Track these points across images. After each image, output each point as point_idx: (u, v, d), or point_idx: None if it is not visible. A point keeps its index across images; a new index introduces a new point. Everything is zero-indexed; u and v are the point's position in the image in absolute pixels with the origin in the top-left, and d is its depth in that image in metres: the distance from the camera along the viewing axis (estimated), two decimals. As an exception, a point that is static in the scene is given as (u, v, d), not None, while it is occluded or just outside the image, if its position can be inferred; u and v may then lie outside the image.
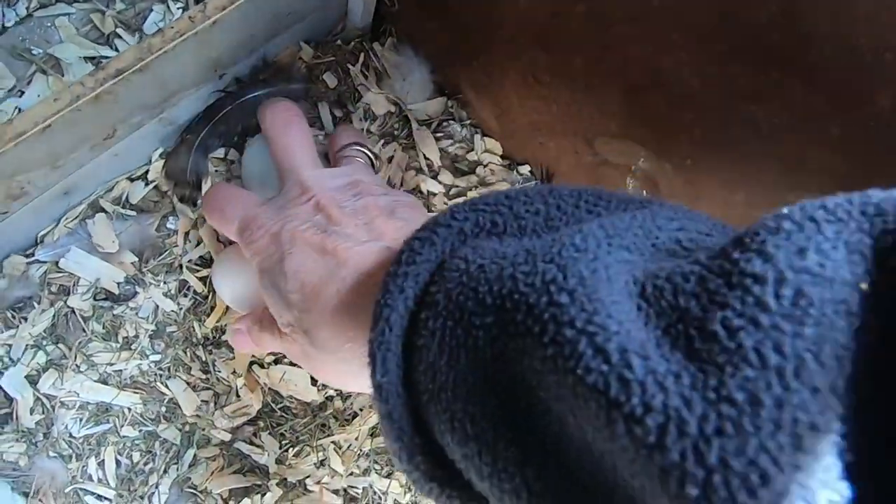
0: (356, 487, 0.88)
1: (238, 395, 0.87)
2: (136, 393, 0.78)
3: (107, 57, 0.69)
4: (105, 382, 0.76)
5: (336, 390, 0.90)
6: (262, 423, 0.87)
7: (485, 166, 1.00)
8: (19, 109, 0.66)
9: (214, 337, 0.86)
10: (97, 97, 0.60)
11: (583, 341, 0.23)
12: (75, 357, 0.75)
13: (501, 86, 0.82)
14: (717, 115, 0.57)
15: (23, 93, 0.65)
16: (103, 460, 0.74)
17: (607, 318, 0.24)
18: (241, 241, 0.67)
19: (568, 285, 0.25)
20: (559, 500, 0.26)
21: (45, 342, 0.74)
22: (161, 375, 0.81)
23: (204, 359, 0.85)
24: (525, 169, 0.96)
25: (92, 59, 0.68)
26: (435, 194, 0.99)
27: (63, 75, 0.66)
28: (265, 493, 0.84)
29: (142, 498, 0.75)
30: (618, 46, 0.60)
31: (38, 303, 0.74)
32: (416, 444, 0.33)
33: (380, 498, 0.88)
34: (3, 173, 0.59)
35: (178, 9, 0.72)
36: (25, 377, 0.73)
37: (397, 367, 0.34)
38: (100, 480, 0.74)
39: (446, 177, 0.99)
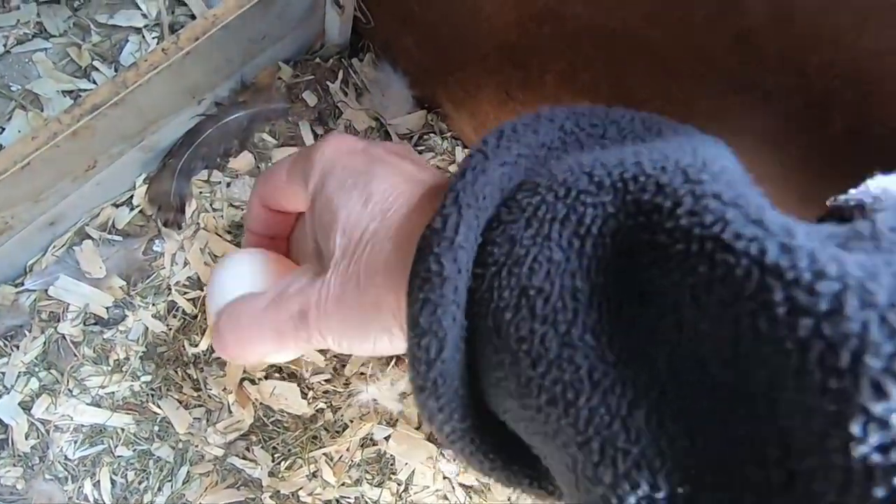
0: (348, 498, 0.90)
1: (230, 411, 0.88)
2: (129, 414, 0.80)
3: (84, 89, 0.70)
4: (98, 405, 0.78)
5: (326, 402, 0.92)
6: (254, 438, 0.89)
7: (467, 178, 1.00)
8: (0, 146, 0.67)
9: (205, 355, 0.88)
10: (75, 133, 0.61)
11: (730, 210, 0.21)
12: (67, 382, 0.76)
13: (478, 100, 0.83)
14: (682, 134, 0.57)
15: (3, 129, 0.67)
16: (98, 481, 0.77)
17: (756, 198, 0.22)
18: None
19: (706, 169, 0.23)
20: (664, 398, 0.22)
21: (37, 369, 0.76)
22: (153, 395, 0.82)
23: (195, 377, 0.87)
24: (506, 180, 0.96)
25: (70, 92, 0.69)
26: (418, 207, 0.99)
27: (42, 110, 0.67)
28: (258, 508, 0.86)
29: (137, 517, 0.77)
30: (585, 67, 0.61)
31: (30, 330, 0.75)
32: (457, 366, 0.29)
33: (372, 507, 0.90)
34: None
35: (153, 38, 0.73)
36: (19, 404, 0.75)
37: (470, 231, 0.28)
38: (96, 501, 0.76)
39: (429, 189, 0.99)
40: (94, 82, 0.71)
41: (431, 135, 0.98)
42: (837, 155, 0.47)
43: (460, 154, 0.98)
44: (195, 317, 0.88)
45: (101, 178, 0.75)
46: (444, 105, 0.93)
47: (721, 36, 0.47)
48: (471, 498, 0.93)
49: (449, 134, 0.98)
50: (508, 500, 0.93)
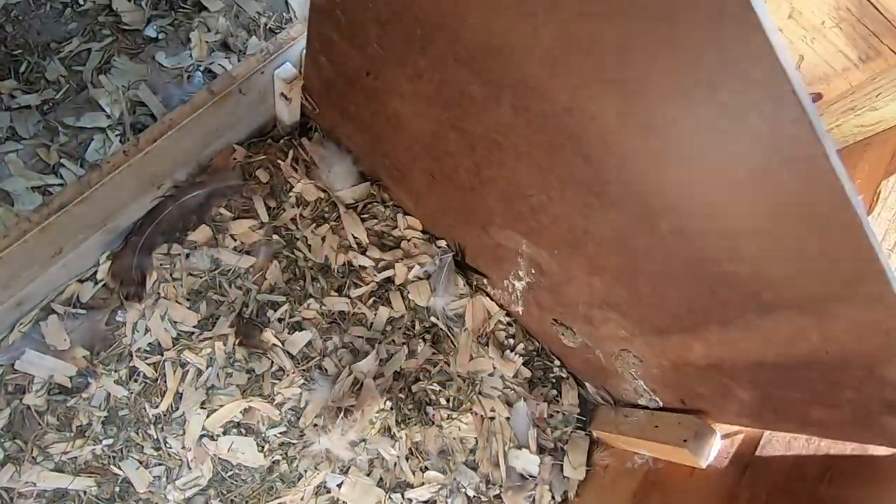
0: (302, 544, 0.97)
1: (189, 467, 0.95)
2: (91, 477, 0.86)
3: (52, 185, 0.79)
4: (61, 470, 0.84)
5: (282, 454, 0.99)
6: (212, 492, 0.95)
7: (408, 240, 1.11)
8: (-27, 239, 0.75)
9: (165, 415, 0.94)
10: (42, 229, 0.70)
11: None
12: (32, 450, 0.82)
13: (410, 179, 0.94)
14: (565, 222, 0.69)
15: (-23, 225, 0.75)
16: (61, 543, 0.82)
17: None
18: None
19: None
20: None
21: (2, 439, 0.81)
22: (114, 457, 0.88)
23: (155, 436, 0.93)
24: (442, 242, 1.08)
25: (39, 188, 0.77)
26: (365, 268, 1.10)
27: (13, 205, 0.75)
28: (216, 559, 0.91)
29: (98, 575, 0.82)
30: (486, 165, 0.73)
31: (-4, 403, 0.82)
32: None
33: (325, 552, 0.97)
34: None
35: (115, 136, 0.82)
36: (-15, 473, 0.80)
37: None
38: (58, 562, 0.81)
39: (374, 252, 1.10)
40: (62, 178, 0.80)
41: (375, 203, 1.09)
42: (669, 251, 0.59)
43: (401, 220, 1.09)
44: (155, 380, 0.95)
45: (66, 260, 0.83)
46: (383, 179, 1.04)
47: (576, 157, 0.59)
48: (417, 538, 1.00)
49: (391, 202, 1.09)
50: (452, 538, 1.01)
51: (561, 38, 0.47)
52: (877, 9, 1.13)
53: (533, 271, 0.87)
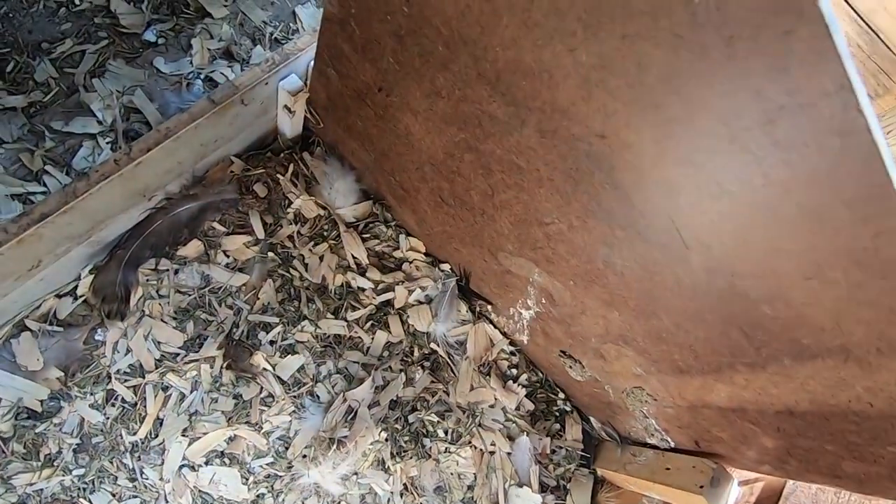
0: (286, 588, 0.89)
1: (167, 501, 0.88)
2: (57, 511, 0.79)
3: (34, 193, 0.73)
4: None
5: (267, 487, 0.92)
6: (190, 528, 0.88)
7: (410, 263, 1.07)
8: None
9: (143, 443, 0.88)
10: (21, 241, 0.64)
11: None
12: (-7, 481, 0.75)
13: (416, 200, 0.90)
14: (585, 252, 0.65)
15: (-53, 233, 0.69)
16: (19, 587, 0.74)
17: None
18: None
19: None
20: None
21: (-40, 470, 0.74)
22: (84, 489, 0.81)
23: (131, 466, 0.86)
24: (446, 266, 1.03)
25: (19, 195, 0.71)
26: (364, 290, 1.05)
27: (-10, 213, 0.70)
28: None
29: None
30: (501, 189, 0.69)
31: (-44, 430, 0.74)
32: None
33: None
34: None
35: (106, 143, 0.77)
36: (-61, 506, 0.73)
37: None
38: None
39: (374, 273, 1.05)
40: (45, 186, 0.74)
41: (377, 223, 1.04)
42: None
43: (403, 241, 1.05)
44: (134, 404, 0.88)
45: (44, 274, 0.77)
46: (387, 198, 1.00)
47: (601, 185, 0.56)
48: (410, 582, 0.94)
49: (394, 223, 1.04)
50: (447, 583, 0.94)
51: (600, 59, 0.44)
52: (887, 46, 1.13)
53: (543, 301, 0.83)
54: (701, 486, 0.75)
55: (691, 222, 0.50)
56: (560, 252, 0.69)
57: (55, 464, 0.80)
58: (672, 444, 0.86)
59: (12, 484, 0.76)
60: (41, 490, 0.78)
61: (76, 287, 0.84)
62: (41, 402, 0.80)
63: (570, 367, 0.92)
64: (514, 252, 0.78)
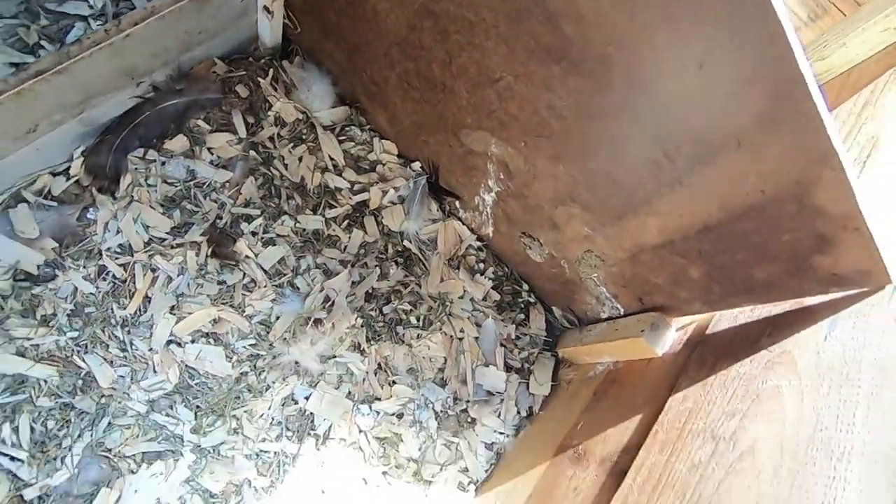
0: (268, 452, 0.96)
1: (155, 371, 0.94)
2: (53, 366, 0.85)
3: (29, 64, 0.80)
4: (22, 355, 0.83)
5: (250, 366, 0.99)
6: (178, 397, 0.94)
7: (384, 165, 1.14)
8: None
9: (133, 318, 0.94)
10: (19, 94, 0.71)
11: None
12: (-8, 332, 0.81)
13: (386, 93, 0.98)
14: (530, 103, 0.73)
15: (-50, 92, 0.75)
16: (17, 426, 0.80)
17: None
18: None
19: None
20: None
21: (-38, 320, 0.80)
22: (78, 350, 0.88)
23: (122, 338, 0.93)
24: (416, 165, 1.11)
25: (16, 65, 0.78)
26: (341, 190, 1.12)
27: (-12, 76, 0.76)
28: (179, 458, 0.90)
29: (55, 459, 0.81)
30: (457, 53, 0.77)
31: (-42, 284, 0.80)
32: None
33: (290, 460, 0.96)
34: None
35: (98, 26, 0.84)
36: (-57, 351, 0.78)
37: None
38: (13, 444, 0.79)
39: (350, 174, 1.12)
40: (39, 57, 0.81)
41: (352, 127, 1.12)
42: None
43: (377, 144, 1.12)
44: (124, 281, 0.95)
45: (40, 143, 0.83)
46: (361, 99, 1.08)
47: (538, 20, 0.64)
48: (384, 448, 1.01)
49: (367, 127, 1.12)
50: (419, 450, 1.01)
51: None
52: (822, -31, 1.23)
53: (502, 176, 0.91)
54: (642, 331, 0.83)
55: (615, 41, 0.58)
56: (511, 111, 0.77)
57: (51, 324, 0.86)
58: (621, 311, 0.94)
59: (11, 336, 0.82)
60: (38, 345, 0.84)
61: (69, 168, 0.90)
62: (38, 266, 0.86)
63: (530, 247, 1.01)
64: (473, 125, 0.86)
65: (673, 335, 0.84)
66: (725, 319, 0.76)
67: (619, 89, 0.62)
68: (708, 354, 0.72)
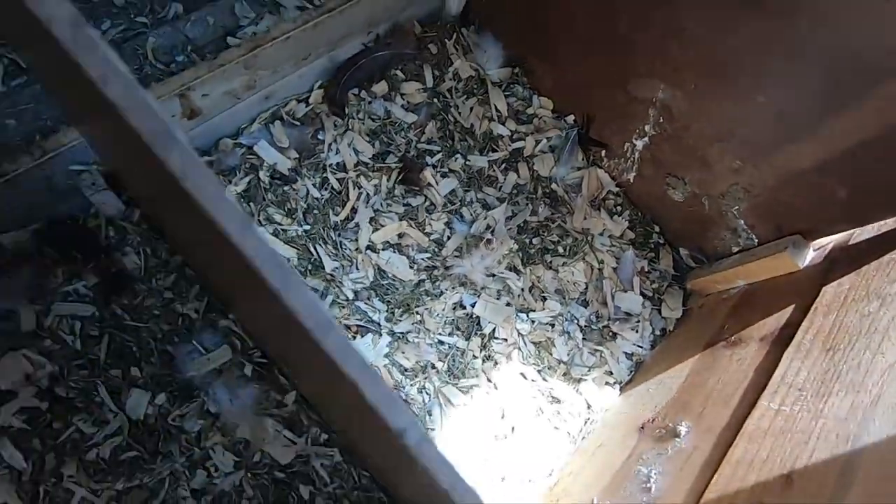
0: (444, 344, 1.14)
1: (358, 268, 1.14)
2: (294, 249, 1.06)
3: (311, 3, 1.04)
4: (276, 235, 1.04)
5: (427, 274, 1.18)
6: (373, 292, 1.14)
7: (539, 118, 1.34)
8: (255, 34, 0.98)
9: (342, 224, 1.15)
10: (304, 30, 0.93)
11: None
12: (258, 214, 1.03)
13: (556, 52, 1.18)
14: (709, 48, 0.92)
15: (258, 23, 0.98)
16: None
17: None
18: None
19: None
20: None
21: (241, 201, 1.02)
22: (310, 240, 1.08)
23: (335, 239, 1.13)
24: (570, 118, 1.30)
25: (302, 8, 1.01)
26: (502, 137, 1.32)
27: (280, 13, 0.99)
28: (380, 337, 1.09)
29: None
30: (650, 9, 0.96)
31: (239, 172, 1.03)
32: None
33: (462, 353, 1.14)
34: (250, 69, 0.91)
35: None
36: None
37: None
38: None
39: (511, 124, 1.32)
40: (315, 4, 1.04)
41: (516, 84, 1.32)
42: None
43: (535, 100, 1.32)
44: (339, 192, 1.16)
45: (302, 72, 1.06)
46: (530, 60, 1.28)
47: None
48: (538, 351, 1.17)
49: (528, 85, 1.32)
50: (567, 354, 1.17)
51: None
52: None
53: (661, 120, 1.09)
54: (785, 248, 0.99)
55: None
56: (688, 57, 0.95)
57: (293, 217, 1.07)
58: (755, 242, 1.10)
59: (272, 219, 1.04)
60: (286, 230, 1.06)
61: (309, 97, 1.13)
62: (287, 170, 1.08)
63: (674, 188, 1.18)
64: (645, 74, 1.05)
65: (812, 254, 0.99)
66: (867, 232, 0.91)
67: (803, 28, 0.79)
68: (854, 257, 0.87)
